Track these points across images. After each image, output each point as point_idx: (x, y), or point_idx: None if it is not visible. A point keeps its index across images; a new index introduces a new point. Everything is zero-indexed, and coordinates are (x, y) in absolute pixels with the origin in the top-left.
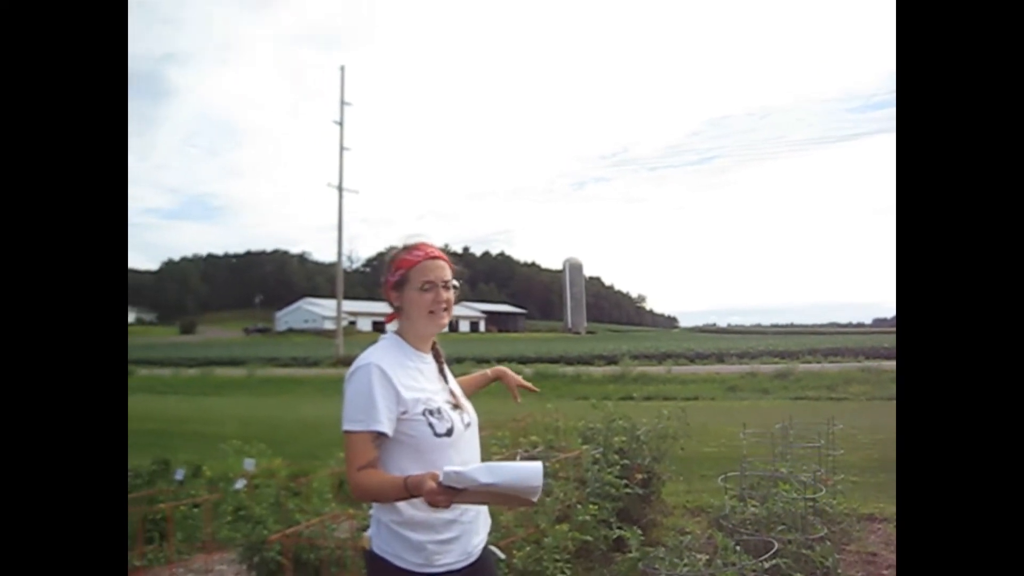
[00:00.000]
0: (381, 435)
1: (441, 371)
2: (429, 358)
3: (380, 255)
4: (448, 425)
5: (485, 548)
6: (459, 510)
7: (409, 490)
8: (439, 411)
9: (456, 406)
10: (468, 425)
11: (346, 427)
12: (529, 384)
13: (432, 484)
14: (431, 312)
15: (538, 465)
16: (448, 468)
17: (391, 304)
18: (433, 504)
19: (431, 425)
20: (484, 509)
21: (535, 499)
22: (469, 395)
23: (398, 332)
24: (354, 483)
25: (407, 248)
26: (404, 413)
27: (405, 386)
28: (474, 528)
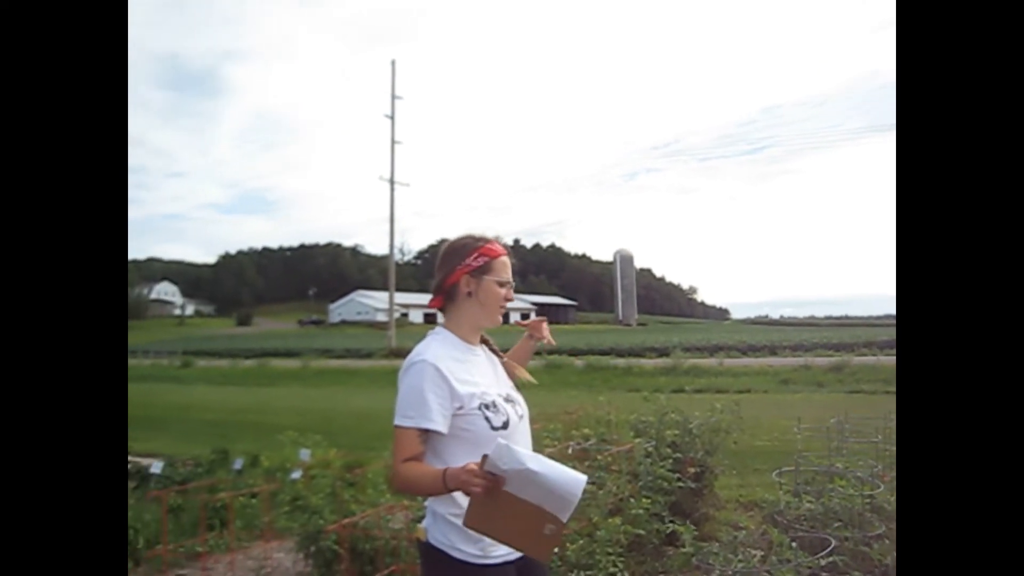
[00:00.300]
0: (430, 432)
1: (493, 363)
2: (480, 350)
3: (432, 247)
4: (504, 418)
5: None
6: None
7: (447, 483)
8: (494, 404)
9: (508, 399)
10: (521, 417)
11: (397, 422)
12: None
13: (472, 467)
14: (500, 307)
15: (583, 478)
16: (502, 441)
17: (454, 290)
18: (468, 489)
19: (487, 419)
20: None
21: (566, 517)
22: (524, 365)
23: (447, 325)
24: (396, 474)
25: (483, 239)
26: (460, 408)
27: (460, 381)
28: None
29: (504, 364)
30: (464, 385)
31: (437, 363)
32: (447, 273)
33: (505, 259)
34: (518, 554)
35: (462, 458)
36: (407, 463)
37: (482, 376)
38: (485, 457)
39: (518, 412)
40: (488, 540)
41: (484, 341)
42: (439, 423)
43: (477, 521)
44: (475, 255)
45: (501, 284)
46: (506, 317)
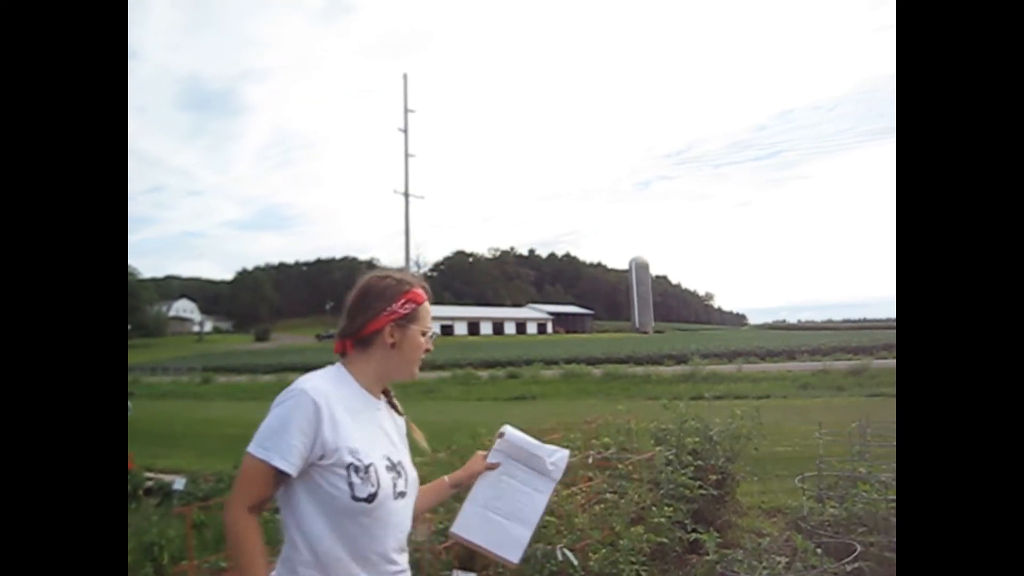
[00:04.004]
0: (282, 474)
1: (392, 424)
2: (382, 405)
3: (448, 259)
4: (371, 490)
5: None
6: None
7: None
8: (367, 470)
9: (393, 467)
10: (401, 495)
11: (251, 448)
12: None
13: None
14: (420, 359)
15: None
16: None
17: (374, 338)
18: None
19: (351, 484)
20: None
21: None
22: (425, 509)
23: (350, 368)
24: (234, 519)
25: (409, 282)
26: (322, 459)
27: (338, 430)
28: None
29: (406, 423)
30: (338, 435)
31: (317, 398)
32: (369, 318)
33: (428, 305)
34: None
35: (311, 520)
36: (252, 519)
37: (367, 434)
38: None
39: (398, 486)
40: None
41: (385, 393)
42: (292, 465)
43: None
44: (403, 301)
45: (424, 334)
46: (522, 327)
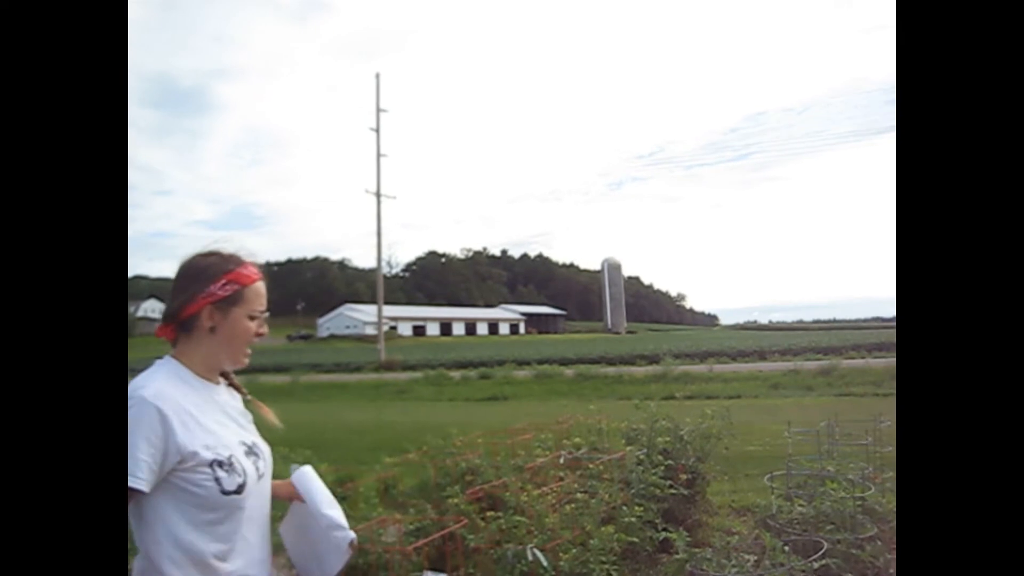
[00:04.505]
0: (130, 491)
1: (234, 404)
2: (221, 389)
3: (420, 259)
4: (239, 480)
5: None
6: None
7: None
8: (230, 462)
9: (250, 451)
10: (262, 476)
11: None
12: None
13: None
14: (249, 344)
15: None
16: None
17: (192, 322)
18: None
19: (218, 480)
20: None
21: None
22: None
23: (179, 358)
24: None
25: (234, 260)
26: (181, 463)
27: (188, 429)
28: None
29: (249, 402)
30: (192, 435)
31: (160, 404)
32: (185, 301)
33: (259, 285)
34: None
35: (179, 523)
36: None
37: (219, 424)
38: None
39: (259, 469)
40: None
41: (224, 375)
42: (142, 480)
43: None
44: (222, 282)
45: (252, 317)
46: (494, 328)
